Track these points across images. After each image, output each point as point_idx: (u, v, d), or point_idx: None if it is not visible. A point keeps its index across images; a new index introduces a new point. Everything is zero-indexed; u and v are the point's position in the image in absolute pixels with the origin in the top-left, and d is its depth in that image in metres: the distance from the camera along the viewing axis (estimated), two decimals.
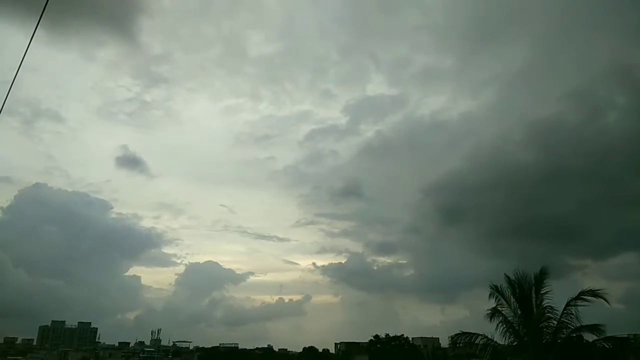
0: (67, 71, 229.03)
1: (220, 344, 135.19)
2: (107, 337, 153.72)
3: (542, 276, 19.13)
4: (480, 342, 19.48)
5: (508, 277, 19.72)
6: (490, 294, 19.93)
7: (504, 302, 19.56)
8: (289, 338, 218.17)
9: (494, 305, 19.72)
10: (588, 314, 18.46)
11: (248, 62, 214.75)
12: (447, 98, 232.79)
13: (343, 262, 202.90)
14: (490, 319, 19.40)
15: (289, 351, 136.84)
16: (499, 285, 19.79)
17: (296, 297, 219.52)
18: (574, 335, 18.68)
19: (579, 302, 18.35)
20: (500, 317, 19.36)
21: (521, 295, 19.20)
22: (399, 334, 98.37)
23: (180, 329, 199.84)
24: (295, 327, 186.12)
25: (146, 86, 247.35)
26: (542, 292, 19.04)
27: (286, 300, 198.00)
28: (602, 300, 18.17)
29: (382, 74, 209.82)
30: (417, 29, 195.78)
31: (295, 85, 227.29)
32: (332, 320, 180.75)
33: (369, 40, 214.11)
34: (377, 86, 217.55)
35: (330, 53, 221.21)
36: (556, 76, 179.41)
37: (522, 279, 19.33)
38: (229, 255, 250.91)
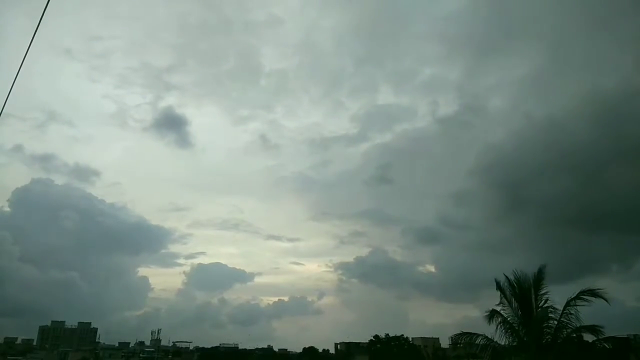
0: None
1: (220, 344, 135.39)
2: (107, 337, 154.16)
3: (540, 276, 19.10)
4: (481, 343, 19.46)
5: (515, 275, 19.67)
6: (497, 288, 19.85)
7: (505, 301, 19.52)
8: (298, 337, 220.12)
9: (498, 302, 19.69)
10: None
11: (263, 75, 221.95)
12: (454, 105, 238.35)
13: (356, 259, 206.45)
14: (490, 320, 19.36)
15: (289, 351, 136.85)
16: (500, 282, 19.78)
17: (304, 296, 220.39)
18: (574, 335, 18.66)
19: (579, 302, 18.35)
20: (500, 318, 19.33)
21: (521, 295, 19.16)
22: (399, 334, 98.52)
23: (185, 329, 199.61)
24: (304, 327, 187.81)
25: (158, 95, 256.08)
26: (541, 292, 19.02)
27: (296, 298, 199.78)
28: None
29: (391, 84, 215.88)
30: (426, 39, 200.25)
31: (309, 97, 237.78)
32: (342, 320, 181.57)
33: (380, 51, 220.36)
34: (386, 96, 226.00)
35: (345, 66, 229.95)
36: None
37: (522, 278, 19.31)
38: (238, 255, 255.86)
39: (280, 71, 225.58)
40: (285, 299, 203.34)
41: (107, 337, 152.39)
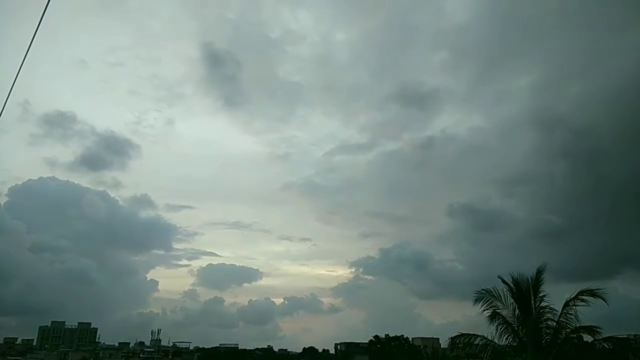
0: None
1: (220, 344, 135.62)
2: (107, 337, 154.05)
3: (539, 276, 19.07)
4: (480, 343, 19.45)
5: (513, 277, 19.58)
6: (477, 299, 19.61)
7: (499, 305, 19.42)
8: (305, 337, 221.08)
9: (480, 311, 19.54)
10: None
11: (280, 88, 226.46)
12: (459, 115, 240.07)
13: (369, 257, 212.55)
14: (491, 321, 19.34)
15: (289, 351, 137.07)
16: (492, 288, 19.69)
17: (315, 295, 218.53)
18: (574, 335, 18.64)
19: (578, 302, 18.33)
20: (500, 319, 19.31)
21: (519, 296, 19.13)
22: (399, 334, 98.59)
23: (191, 328, 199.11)
24: (312, 327, 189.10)
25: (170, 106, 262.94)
26: (539, 292, 18.98)
27: (306, 298, 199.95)
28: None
29: (401, 93, 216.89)
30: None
31: (322, 108, 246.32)
32: (350, 320, 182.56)
33: (391, 62, 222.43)
34: (396, 105, 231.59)
35: (358, 77, 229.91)
36: None
37: (520, 279, 19.29)
38: (248, 255, 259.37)
39: (296, 84, 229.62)
40: (297, 298, 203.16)
41: (107, 337, 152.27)
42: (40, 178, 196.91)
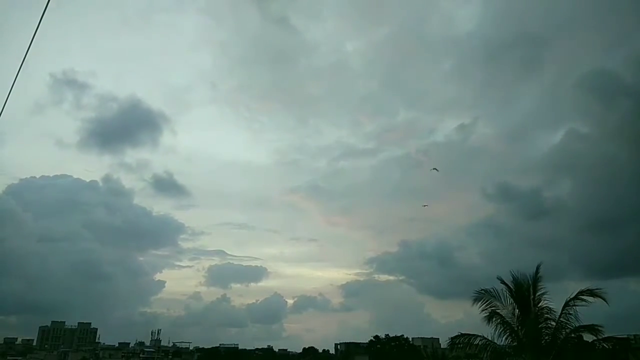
0: None
1: (220, 344, 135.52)
2: (107, 337, 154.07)
3: (537, 276, 19.04)
4: (479, 343, 19.42)
5: (511, 277, 19.57)
6: (475, 299, 19.57)
7: (499, 304, 19.38)
8: (308, 337, 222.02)
9: (479, 311, 19.53)
10: None
11: (295, 99, 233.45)
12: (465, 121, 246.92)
13: (377, 258, 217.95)
14: (489, 321, 19.30)
15: (289, 352, 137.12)
16: (492, 288, 19.67)
17: (322, 295, 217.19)
18: (573, 335, 18.61)
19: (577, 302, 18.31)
20: (499, 319, 19.26)
21: (519, 296, 19.10)
22: (399, 334, 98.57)
23: (195, 328, 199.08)
24: (318, 326, 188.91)
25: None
26: (538, 292, 18.96)
27: (312, 298, 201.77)
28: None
29: (408, 101, 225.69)
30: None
31: (333, 117, 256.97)
32: (355, 320, 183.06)
33: (400, 74, 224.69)
34: (403, 114, 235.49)
35: (369, 87, 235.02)
36: None
37: (520, 279, 19.25)
38: (257, 255, 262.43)
39: (310, 95, 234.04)
40: (306, 297, 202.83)
41: (107, 337, 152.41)
42: (32, 177, 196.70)
